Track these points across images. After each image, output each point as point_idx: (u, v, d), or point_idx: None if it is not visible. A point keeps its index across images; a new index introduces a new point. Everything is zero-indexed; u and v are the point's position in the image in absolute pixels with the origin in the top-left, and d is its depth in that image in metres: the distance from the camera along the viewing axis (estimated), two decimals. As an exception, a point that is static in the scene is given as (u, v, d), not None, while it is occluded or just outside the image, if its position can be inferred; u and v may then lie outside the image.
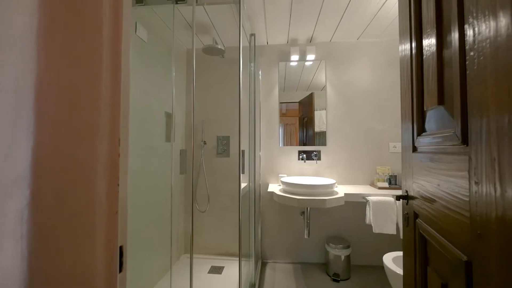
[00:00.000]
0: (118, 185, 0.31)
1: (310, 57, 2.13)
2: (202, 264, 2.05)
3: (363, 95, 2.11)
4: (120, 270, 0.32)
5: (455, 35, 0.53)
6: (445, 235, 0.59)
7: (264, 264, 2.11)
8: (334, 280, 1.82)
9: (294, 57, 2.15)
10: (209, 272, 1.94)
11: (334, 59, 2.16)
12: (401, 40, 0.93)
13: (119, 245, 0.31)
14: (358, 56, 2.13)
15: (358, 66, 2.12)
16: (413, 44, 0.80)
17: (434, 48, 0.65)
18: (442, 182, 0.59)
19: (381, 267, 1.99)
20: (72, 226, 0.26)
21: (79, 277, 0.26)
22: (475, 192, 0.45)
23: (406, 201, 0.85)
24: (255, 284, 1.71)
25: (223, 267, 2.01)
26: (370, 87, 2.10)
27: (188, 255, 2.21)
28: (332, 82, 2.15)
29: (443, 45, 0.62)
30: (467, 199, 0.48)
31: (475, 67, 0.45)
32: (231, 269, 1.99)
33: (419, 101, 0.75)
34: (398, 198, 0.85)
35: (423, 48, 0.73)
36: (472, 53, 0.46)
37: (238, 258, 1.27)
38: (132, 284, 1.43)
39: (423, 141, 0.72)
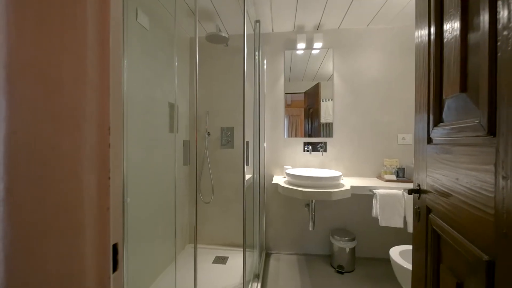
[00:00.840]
0: (109, 178, 0.28)
1: (317, 45, 2.05)
2: (207, 254, 2.07)
3: (371, 85, 2.04)
4: (115, 269, 0.30)
5: (484, 15, 0.48)
6: (462, 232, 0.55)
7: (268, 255, 2.12)
8: (339, 272, 1.82)
9: (301, 45, 2.07)
10: (213, 262, 1.95)
11: (342, 47, 2.07)
12: (418, 25, 0.86)
13: (112, 243, 0.29)
14: (368, 44, 2.04)
15: (367, 55, 2.04)
16: (432, 29, 0.74)
17: (457, 32, 0.59)
18: (462, 176, 0.55)
19: (386, 260, 1.97)
20: (56, 224, 0.23)
21: (66, 279, 0.24)
22: (502, 188, 0.41)
23: (418, 195, 0.81)
24: (259, 274, 1.72)
25: (227, 257, 2.03)
26: (379, 77, 2.03)
27: (193, 245, 2.23)
28: (339, 71, 2.08)
29: (468, 28, 0.56)
30: (492, 195, 0.44)
31: (508, 48, 0.40)
32: (236, 259, 2.00)
33: (436, 90, 0.70)
34: (410, 192, 0.82)
35: (444, 32, 0.67)
36: (505, 33, 0.41)
37: (242, 249, 1.27)
38: (138, 274, 1.45)
39: (439, 132, 0.68)
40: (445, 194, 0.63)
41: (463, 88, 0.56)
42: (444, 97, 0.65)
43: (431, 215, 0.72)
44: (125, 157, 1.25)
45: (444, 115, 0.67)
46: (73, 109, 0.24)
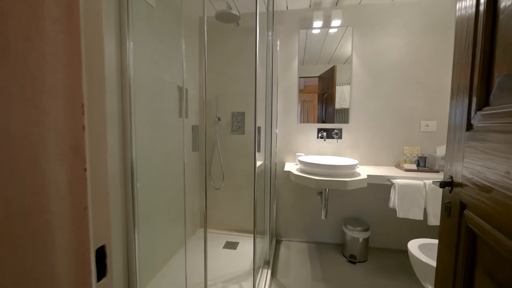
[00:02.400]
0: (86, 170, 0.23)
1: (336, 23, 1.89)
2: (218, 239, 2.09)
3: (393, 67, 1.88)
4: (104, 275, 0.25)
5: None
6: (510, 235, 0.47)
7: (278, 242, 2.11)
8: (351, 262, 1.78)
9: (317, 24, 1.92)
10: (224, 247, 1.97)
11: (362, 25, 1.90)
12: (461, -7, 0.73)
13: (96, 247, 0.24)
14: (392, 21, 1.85)
15: (391, 33, 1.86)
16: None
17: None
18: (515, 170, 0.46)
19: (400, 251, 1.91)
20: (11, 229, 0.19)
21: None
22: None
23: (449, 188, 0.73)
24: (269, 261, 1.71)
25: (238, 243, 2.04)
26: (403, 58, 1.86)
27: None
28: (358, 52, 1.92)
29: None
30: (563, 195, 0.36)
31: None
32: (246, 245, 2.00)
33: (484, 67, 0.59)
34: (442, 184, 0.73)
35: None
36: None
37: (252, 235, 1.24)
38: (150, 257, 1.47)
39: (484, 117, 0.58)
40: (487, 189, 0.55)
41: (527, 62, 0.45)
42: (496, 74, 0.55)
43: (467, 212, 0.64)
44: (133, 142, 1.23)
45: (492, 97, 0.57)
46: (25, 77, 0.18)
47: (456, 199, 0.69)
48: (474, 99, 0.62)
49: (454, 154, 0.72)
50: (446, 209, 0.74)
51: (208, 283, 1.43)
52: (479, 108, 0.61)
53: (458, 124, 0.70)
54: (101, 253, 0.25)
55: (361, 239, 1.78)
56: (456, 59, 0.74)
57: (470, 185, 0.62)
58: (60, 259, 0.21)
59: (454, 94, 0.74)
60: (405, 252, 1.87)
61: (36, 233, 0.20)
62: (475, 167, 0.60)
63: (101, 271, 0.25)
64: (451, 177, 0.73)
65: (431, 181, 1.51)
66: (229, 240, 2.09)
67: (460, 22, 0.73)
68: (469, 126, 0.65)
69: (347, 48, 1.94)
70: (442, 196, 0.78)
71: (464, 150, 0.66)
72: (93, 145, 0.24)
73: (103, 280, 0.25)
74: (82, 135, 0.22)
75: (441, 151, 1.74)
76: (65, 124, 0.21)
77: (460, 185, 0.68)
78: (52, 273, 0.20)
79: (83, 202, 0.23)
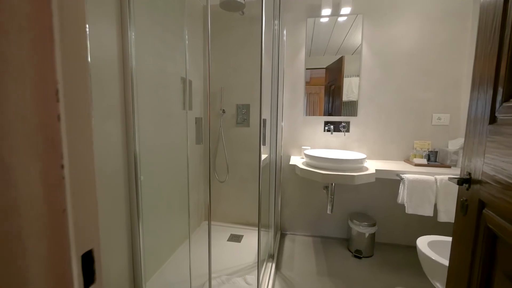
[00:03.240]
0: (63, 167, 0.20)
1: (345, 10, 1.80)
2: (222, 232, 2.09)
3: (406, 58, 1.79)
4: (93, 281, 0.23)
5: None
6: (538, 238, 0.43)
7: (283, 236, 2.10)
8: (356, 257, 1.76)
9: (326, 12, 1.84)
10: (228, 240, 1.97)
11: (374, 13, 1.81)
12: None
13: (82, 252, 0.21)
14: (404, 8, 1.76)
15: (403, 21, 1.77)
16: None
17: None
18: (548, 168, 0.42)
19: (407, 247, 1.88)
20: None
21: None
22: None
23: (467, 185, 0.68)
24: (273, 254, 1.71)
25: (242, 236, 2.03)
26: (416, 48, 1.77)
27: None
28: (369, 41, 1.84)
29: None
30: None
31: None
32: (250, 238, 2.00)
33: (514, 54, 0.54)
34: (460, 182, 0.69)
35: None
36: None
37: (257, 228, 1.23)
38: (154, 250, 1.48)
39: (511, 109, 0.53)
40: (512, 188, 0.51)
41: None
42: (529, 62, 0.50)
43: (486, 211, 0.60)
44: (136, 134, 1.21)
45: (521, 88, 0.52)
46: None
47: (474, 197, 0.65)
48: (500, 90, 0.57)
49: (474, 149, 0.67)
50: (462, 207, 0.70)
51: (212, 275, 1.43)
52: (505, 100, 0.56)
53: (480, 117, 0.65)
54: (88, 259, 0.23)
55: (367, 234, 1.75)
56: (480, 47, 0.68)
57: (492, 183, 0.58)
58: (35, 270, 0.18)
59: (476, 84, 0.68)
60: (412, 248, 1.84)
61: (2, 240, 0.17)
62: (499, 163, 0.56)
63: (89, 278, 0.23)
64: (469, 174, 0.68)
65: (442, 176, 1.46)
66: (234, 233, 2.09)
67: (485, 6, 0.67)
68: (493, 119, 0.60)
69: (356, 37, 1.86)
70: (458, 193, 0.74)
71: (485, 144, 0.62)
72: (73, 138, 0.20)
73: (92, 287, 0.23)
74: (57, 126, 0.19)
75: (453, 145, 1.68)
76: (34, 113, 0.18)
77: (479, 182, 0.63)
78: (26, 286, 0.18)
79: (61, 204, 0.20)
